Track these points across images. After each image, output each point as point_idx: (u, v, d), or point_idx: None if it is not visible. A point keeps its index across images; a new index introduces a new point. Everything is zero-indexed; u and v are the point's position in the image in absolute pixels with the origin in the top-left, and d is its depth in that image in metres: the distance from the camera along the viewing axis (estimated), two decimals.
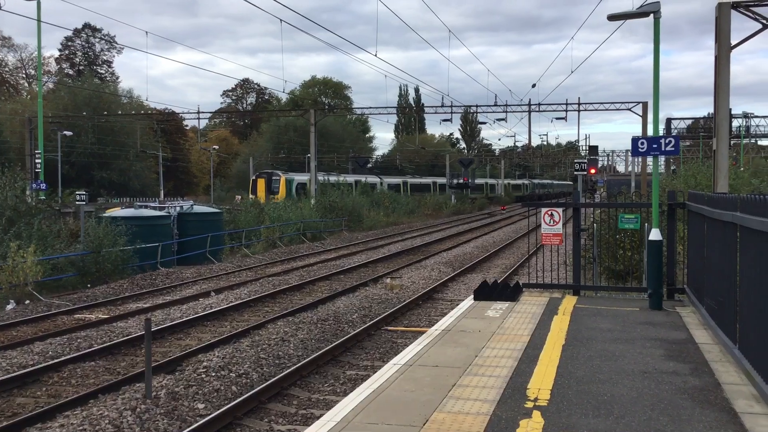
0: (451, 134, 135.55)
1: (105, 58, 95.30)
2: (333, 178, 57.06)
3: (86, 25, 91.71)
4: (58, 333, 13.85)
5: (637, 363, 7.81)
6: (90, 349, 12.34)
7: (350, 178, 61.80)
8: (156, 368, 10.62)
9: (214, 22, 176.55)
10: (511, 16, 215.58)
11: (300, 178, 55.23)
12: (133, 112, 75.51)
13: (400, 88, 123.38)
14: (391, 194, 60.89)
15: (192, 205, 29.98)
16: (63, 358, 11.70)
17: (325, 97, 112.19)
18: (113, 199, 60.94)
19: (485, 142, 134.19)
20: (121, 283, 20.84)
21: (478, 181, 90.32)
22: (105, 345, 12.61)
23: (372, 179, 67.60)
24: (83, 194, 26.59)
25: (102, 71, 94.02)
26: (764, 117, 63.68)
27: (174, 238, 26.64)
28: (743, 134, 57.96)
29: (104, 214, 26.16)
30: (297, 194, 50.93)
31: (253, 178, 55.07)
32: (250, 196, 52.34)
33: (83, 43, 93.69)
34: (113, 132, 73.31)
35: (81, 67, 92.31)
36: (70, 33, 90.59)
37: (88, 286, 20.67)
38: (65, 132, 57.78)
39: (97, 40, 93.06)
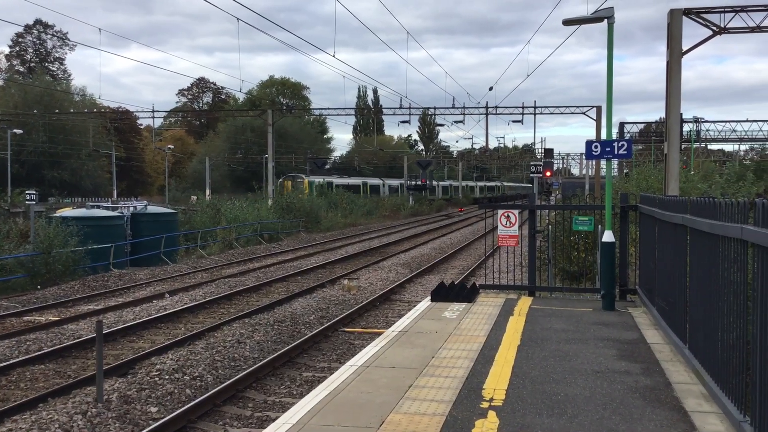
0: (410, 136, 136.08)
1: (57, 55, 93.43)
2: (345, 181, 68.00)
3: (38, 21, 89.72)
4: (6, 335, 13.52)
5: (591, 363, 7.92)
6: (40, 352, 12.07)
7: (357, 180, 72.44)
8: (108, 371, 10.42)
9: (169, 19, 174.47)
10: (469, 19, 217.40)
11: (318, 179, 65.48)
12: (86, 110, 74.12)
13: (359, 89, 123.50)
14: (349, 195, 60.95)
15: (146, 206, 29.58)
16: (11, 361, 11.41)
17: (283, 97, 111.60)
18: (64, 199, 59.72)
19: (443, 144, 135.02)
20: (72, 284, 20.42)
21: (454, 183, 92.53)
22: (55, 348, 12.34)
23: (375, 181, 78.09)
24: (33, 194, 26.06)
25: (54, 68, 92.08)
26: (714, 122, 65.36)
27: (127, 238, 26.22)
28: (694, 138, 59.33)
29: (55, 215, 25.64)
30: (315, 192, 60.60)
31: (281, 180, 64.72)
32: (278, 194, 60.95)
33: (34, 40, 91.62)
34: (65, 130, 71.85)
35: (32, 64, 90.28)
36: (20, 29, 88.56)
37: (38, 287, 20.22)
38: (15, 130, 56.49)
39: (49, 36, 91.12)
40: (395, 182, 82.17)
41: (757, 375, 4.97)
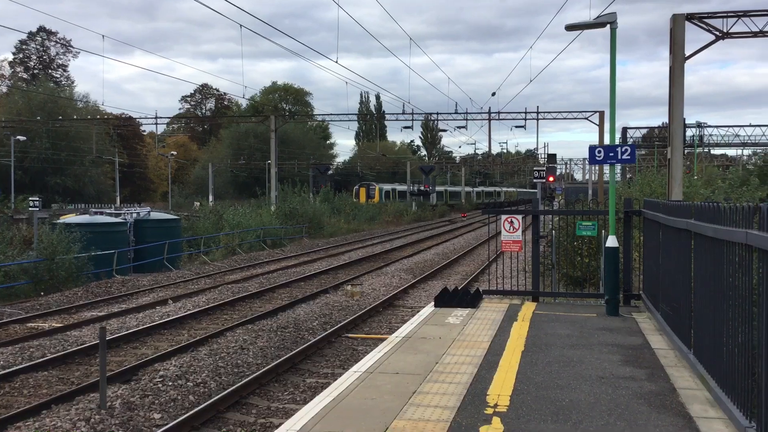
0: (412, 141, 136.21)
1: (60, 61, 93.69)
2: (405, 188, 78.49)
3: (41, 29, 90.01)
4: (9, 342, 13.51)
5: (595, 368, 7.89)
6: (43, 359, 12.06)
7: (414, 188, 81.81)
8: (111, 378, 10.41)
9: (173, 26, 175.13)
10: (472, 25, 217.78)
11: (386, 187, 78.91)
12: (89, 116, 74.25)
13: (361, 95, 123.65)
14: (352, 201, 61.09)
15: (149, 212, 29.62)
16: (15, 368, 11.41)
17: (285, 103, 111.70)
18: (68, 206, 59.76)
19: (446, 149, 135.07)
20: (75, 291, 20.43)
21: (457, 189, 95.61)
22: (58, 354, 12.34)
23: (453, 189, 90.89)
24: (37, 200, 26.08)
25: (57, 75, 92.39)
26: (717, 127, 65.24)
27: (130, 245, 26.24)
28: (697, 143, 59.27)
29: (58, 221, 25.65)
30: (385, 199, 74.49)
31: (356, 187, 77.63)
32: (354, 199, 71.41)
33: (38, 47, 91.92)
34: (68, 137, 72.02)
35: (36, 71, 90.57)
36: (24, 36, 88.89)
37: (42, 294, 20.22)
38: (19, 137, 56.65)
39: (53, 43, 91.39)
40: (440, 188, 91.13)
41: (763, 380, 4.94)
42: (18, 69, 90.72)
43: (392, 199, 76.10)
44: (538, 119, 54.70)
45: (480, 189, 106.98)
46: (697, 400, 6.70)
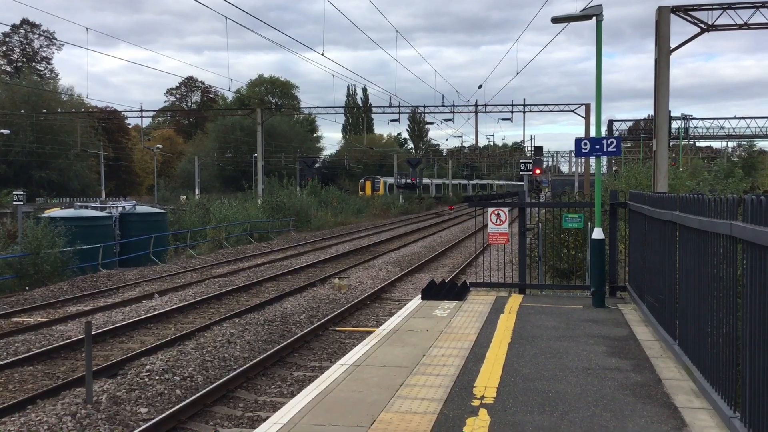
0: (399, 134, 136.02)
1: (44, 54, 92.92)
2: (405, 181, 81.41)
3: (24, 21, 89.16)
4: None
5: (581, 360, 7.93)
6: (28, 354, 11.99)
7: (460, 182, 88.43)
8: (97, 372, 10.36)
9: (158, 18, 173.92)
10: (459, 18, 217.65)
11: (390, 180, 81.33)
12: (74, 110, 73.66)
13: (348, 88, 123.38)
14: (340, 194, 61.00)
15: (134, 206, 29.46)
16: (0, 363, 11.34)
17: (272, 96, 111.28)
18: (52, 200, 59.40)
19: (433, 142, 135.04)
20: (60, 285, 20.30)
21: (444, 181, 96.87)
22: (44, 349, 12.26)
23: (425, 180, 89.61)
24: (21, 194, 25.86)
25: (41, 68, 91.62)
26: (702, 119, 65.54)
27: (116, 239, 26.10)
28: (682, 136, 59.50)
29: (43, 215, 25.48)
30: (389, 191, 77.08)
31: (362, 180, 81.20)
32: (360, 192, 75.58)
33: (21, 40, 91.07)
34: (53, 130, 71.49)
35: (19, 64, 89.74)
36: (7, 29, 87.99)
37: (27, 288, 20.09)
38: (2, 130, 56.19)
39: (36, 36, 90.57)
40: (438, 181, 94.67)
41: (747, 370, 4.98)
42: (1, 62, 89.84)
43: (395, 191, 78.47)
44: (524, 112, 54.88)
45: (475, 182, 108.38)
46: (682, 391, 6.75)
